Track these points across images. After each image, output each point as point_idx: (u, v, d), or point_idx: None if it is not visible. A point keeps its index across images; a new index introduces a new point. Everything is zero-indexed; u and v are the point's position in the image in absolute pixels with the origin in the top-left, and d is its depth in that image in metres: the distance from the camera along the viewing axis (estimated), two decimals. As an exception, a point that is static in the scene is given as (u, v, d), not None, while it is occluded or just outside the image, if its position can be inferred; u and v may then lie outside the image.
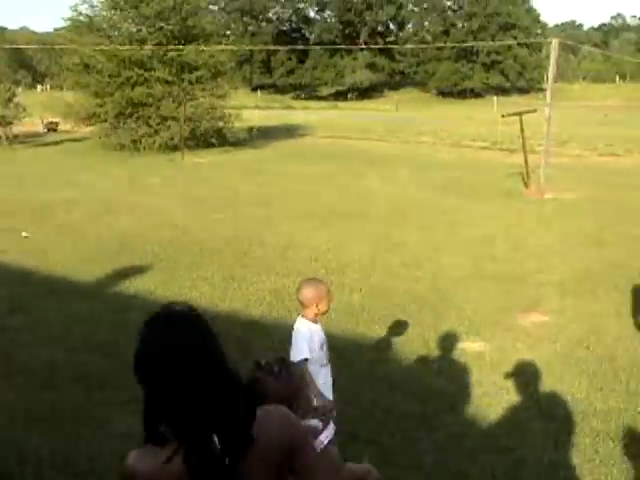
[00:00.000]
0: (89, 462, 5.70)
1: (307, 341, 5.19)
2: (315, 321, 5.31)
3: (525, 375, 7.44)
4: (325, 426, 3.55)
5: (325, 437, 3.50)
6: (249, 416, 2.40)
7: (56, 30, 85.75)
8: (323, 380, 5.30)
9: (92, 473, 5.53)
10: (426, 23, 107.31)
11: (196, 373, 2.35)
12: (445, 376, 7.49)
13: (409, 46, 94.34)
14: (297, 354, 5.17)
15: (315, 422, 3.49)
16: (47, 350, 8.20)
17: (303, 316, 5.34)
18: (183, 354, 2.36)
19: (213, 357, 2.43)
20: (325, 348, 5.35)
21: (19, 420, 6.38)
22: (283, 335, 8.59)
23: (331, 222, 15.59)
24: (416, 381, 7.32)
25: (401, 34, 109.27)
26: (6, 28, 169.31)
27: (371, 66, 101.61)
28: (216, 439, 2.30)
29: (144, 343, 2.46)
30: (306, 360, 5.13)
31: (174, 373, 2.34)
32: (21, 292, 10.57)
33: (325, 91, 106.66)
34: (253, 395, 2.53)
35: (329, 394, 5.31)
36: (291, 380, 3.35)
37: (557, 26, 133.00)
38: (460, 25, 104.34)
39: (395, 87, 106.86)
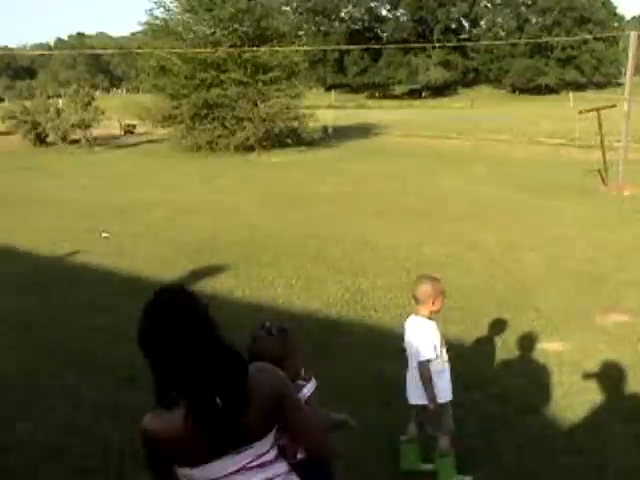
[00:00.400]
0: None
1: (432, 339, 5.20)
2: (430, 318, 5.29)
3: (606, 376, 7.29)
4: (307, 382, 3.96)
5: (307, 390, 3.92)
6: (243, 377, 2.77)
7: (132, 34, 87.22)
8: (448, 378, 5.33)
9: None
10: (499, 19, 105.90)
11: (194, 344, 2.72)
12: (525, 376, 7.38)
13: (483, 43, 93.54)
14: (423, 353, 5.16)
15: (300, 382, 3.89)
16: (128, 349, 8.32)
17: (417, 314, 5.32)
18: (182, 329, 2.73)
19: (207, 330, 2.80)
20: (444, 344, 5.37)
21: (104, 417, 6.51)
22: (361, 334, 8.65)
23: (407, 221, 15.53)
24: (495, 381, 7.25)
25: (474, 31, 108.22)
26: (84, 34, 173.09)
27: (445, 64, 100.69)
28: (218, 400, 2.69)
29: (147, 322, 2.84)
30: (428, 361, 5.14)
31: (175, 346, 2.71)
32: (102, 292, 10.78)
33: (399, 90, 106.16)
34: (244, 360, 2.87)
35: (449, 394, 5.31)
36: (285, 343, 3.75)
37: (635, 18, 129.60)
38: (534, 20, 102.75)
39: (469, 84, 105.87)
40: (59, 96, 48.89)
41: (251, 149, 32.39)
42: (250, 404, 2.75)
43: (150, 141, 40.75)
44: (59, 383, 7.34)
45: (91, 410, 6.67)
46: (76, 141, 40.67)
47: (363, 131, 41.95)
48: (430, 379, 5.15)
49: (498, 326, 8.82)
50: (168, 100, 35.13)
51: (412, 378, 5.32)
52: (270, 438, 2.91)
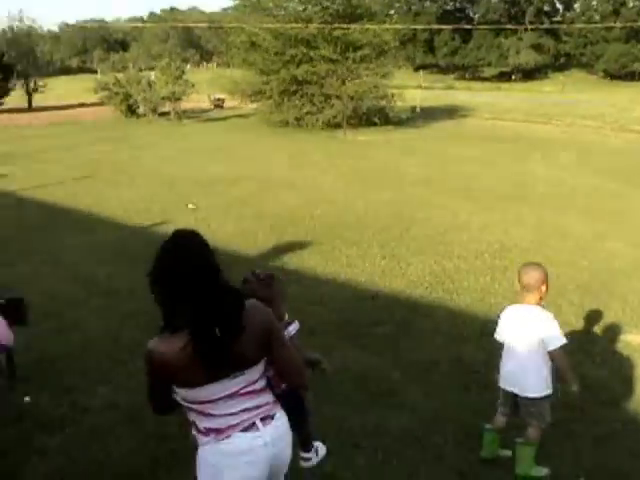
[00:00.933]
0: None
1: (558, 325, 5.19)
2: (541, 305, 5.25)
3: (693, 371, 7.14)
4: (292, 322, 4.56)
5: (292, 329, 4.51)
6: (239, 310, 3.20)
7: (224, 10, 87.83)
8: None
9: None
10: (594, 2, 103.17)
11: (203, 280, 3.15)
12: (607, 368, 7.27)
13: (577, 26, 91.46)
14: (561, 338, 5.14)
15: (286, 320, 4.52)
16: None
17: (524, 302, 5.25)
18: (194, 266, 3.16)
19: (214, 269, 3.23)
20: None
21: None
22: (442, 317, 8.63)
23: (491, 205, 15.39)
24: (575, 370, 7.14)
25: (568, 14, 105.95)
26: (176, 8, 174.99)
27: (536, 47, 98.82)
28: (217, 330, 3.10)
29: (166, 258, 3.23)
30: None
31: (188, 280, 3.13)
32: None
33: (488, 72, 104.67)
34: (242, 295, 3.30)
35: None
36: (270, 288, 4.25)
37: None
38: (631, 4, 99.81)
39: (560, 68, 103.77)
40: (151, 69, 49.63)
41: (338, 127, 32.37)
42: (243, 334, 3.17)
43: (239, 115, 41.08)
44: (140, 350, 7.50)
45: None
46: (166, 113, 41.26)
47: (451, 113, 41.59)
48: (569, 364, 5.20)
49: (581, 315, 8.70)
50: (257, 75, 35.34)
51: (520, 367, 5.22)
52: (260, 367, 3.35)
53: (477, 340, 7.67)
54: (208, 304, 3.13)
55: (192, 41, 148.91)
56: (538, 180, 18.72)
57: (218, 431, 3.30)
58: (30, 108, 53.91)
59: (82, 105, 53.33)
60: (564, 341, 5.13)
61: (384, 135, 30.72)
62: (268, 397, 3.45)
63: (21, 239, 12.75)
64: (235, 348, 3.16)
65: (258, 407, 3.36)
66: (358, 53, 33.49)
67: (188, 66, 45.25)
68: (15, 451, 5.58)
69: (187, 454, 5.34)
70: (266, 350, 3.32)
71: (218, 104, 48.60)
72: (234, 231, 13.04)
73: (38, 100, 55.55)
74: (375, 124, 33.84)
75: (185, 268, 3.15)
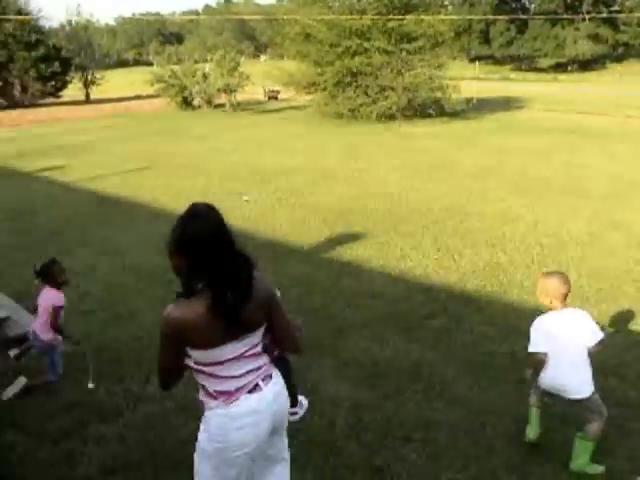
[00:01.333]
0: (298, 422, 5.91)
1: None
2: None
3: None
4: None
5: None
6: (250, 276, 3.53)
7: (279, 1, 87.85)
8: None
9: (298, 437, 5.71)
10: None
11: (216, 249, 3.44)
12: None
13: (635, 15, 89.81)
14: (596, 335, 5.20)
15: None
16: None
17: (562, 306, 5.39)
18: (214, 234, 3.48)
19: (227, 238, 3.53)
20: None
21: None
22: (497, 311, 8.57)
23: (547, 197, 15.20)
24: (632, 366, 7.06)
25: (627, 2, 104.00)
26: (231, 1, 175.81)
27: (593, 37, 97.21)
28: (230, 294, 3.40)
29: (184, 229, 3.54)
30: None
31: (209, 247, 3.43)
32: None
33: (544, 62, 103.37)
34: (252, 263, 3.57)
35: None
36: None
37: None
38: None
39: (618, 59, 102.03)
40: (206, 61, 49.87)
41: (393, 118, 32.26)
42: (252, 301, 3.50)
43: (293, 107, 41.19)
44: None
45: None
46: (221, 105, 41.51)
47: (506, 104, 41.18)
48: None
49: (637, 310, 8.58)
50: (312, 67, 35.34)
51: (570, 372, 5.23)
52: (261, 331, 3.68)
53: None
54: (225, 270, 3.44)
55: (246, 33, 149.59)
56: (594, 173, 18.44)
57: (228, 394, 3.60)
58: (87, 100, 54.70)
59: (138, 97, 54.00)
60: (602, 335, 5.23)
61: (439, 127, 30.54)
62: (266, 359, 3.78)
63: (78, 229, 12.96)
64: (245, 311, 3.48)
65: (259, 368, 3.69)
66: (413, 44, 33.23)
67: (243, 58, 45.33)
68: (71, 438, 5.68)
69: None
70: (266, 317, 3.67)
71: (273, 96, 48.79)
72: (288, 222, 13.09)
73: (95, 93, 56.32)
74: (430, 116, 33.66)
75: (203, 235, 3.46)
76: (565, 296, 5.31)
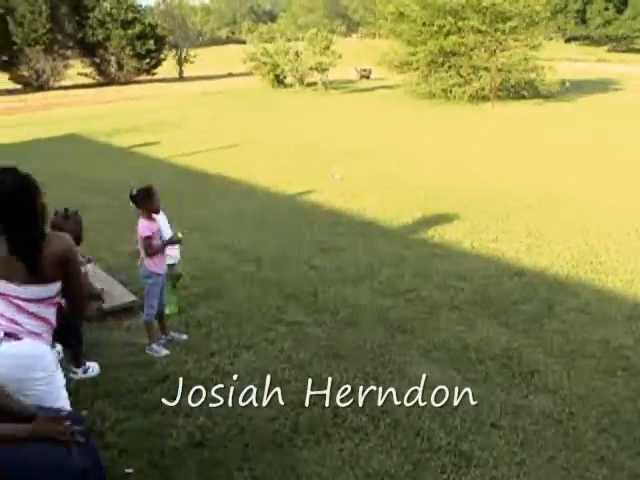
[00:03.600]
0: (384, 405, 5.87)
1: None
2: None
3: None
4: (91, 261, 6.05)
5: (90, 267, 5.65)
6: (41, 239, 3.82)
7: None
8: None
9: (384, 420, 5.69)
10: None
11: (17, 212, 3.76)
12: None
13: None
14: None
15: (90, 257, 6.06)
16: (353, 290, 8.51)
17: None
18: (12, 200, 3.76)
19: (30, 204, 3.80)
20: None
21: (321, 356, 6.67)
22: (590, 297, 8.37)
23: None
24: None
25: None
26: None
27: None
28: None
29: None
30: None
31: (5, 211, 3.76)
32: (331, 232, 11.05)
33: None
34: (43, 230, 3.90)
35: None
36: (73, 224, 5.76)
37: None
38: None
39: None
40: (298, 40, 50.01)
41: (485, 99, 31.86)
42: (45, 258, 3.79)
43: (385, 87, 40.98)
44: (283, 318, 7.59)
45: (312, 347, 6.85)
46: (313, 84, 41.57)
47: (603, 86, 40.20)
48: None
49: None
50: (405, 46, 35.12)
51: None
52: (45, 289, 3.92)
53: (626, 323, 7.42)
54: (19, 228, 3.78)
55: (339, 11, 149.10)
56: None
57: None
58: (181, 78, 55.39)
59: (230, 75, 54.40)
60: None
61: (533, 109, 30.01)
62: (25, 320, 3.92)
63: (171, 205, 13.09)
64: (39, 267, 3.80)
65: (12, 321, 3.89)
66: (507, 24, 32.64)
67: (335, 37, 45.19)
68: (160, 410, 5.76)
69: (325, 423, 5.43)
70: (63, 271, 3.91)
71: (365, 75, 48.63)
72: (378, 202, 13.05)
73: (189, 70, 56.99)
74: (524, 97, 33.11)
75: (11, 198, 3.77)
76: None
